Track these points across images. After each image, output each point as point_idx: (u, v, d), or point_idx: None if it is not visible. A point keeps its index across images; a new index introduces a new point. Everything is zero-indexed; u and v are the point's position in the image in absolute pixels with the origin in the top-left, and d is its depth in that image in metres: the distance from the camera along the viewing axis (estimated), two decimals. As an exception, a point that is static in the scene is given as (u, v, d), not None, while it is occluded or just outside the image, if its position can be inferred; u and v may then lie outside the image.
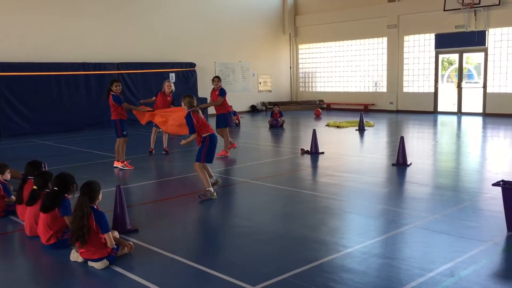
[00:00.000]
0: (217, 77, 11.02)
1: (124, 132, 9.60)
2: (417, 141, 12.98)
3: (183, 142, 7.38)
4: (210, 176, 7.65)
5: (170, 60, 19.69)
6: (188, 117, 7.13)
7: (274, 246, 5.16)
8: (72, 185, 5.29)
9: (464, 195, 7.02)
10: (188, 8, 20.38)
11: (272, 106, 18.99)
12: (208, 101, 10.86)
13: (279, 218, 6.30)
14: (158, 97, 11.05)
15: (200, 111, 7.34)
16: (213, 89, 10.82)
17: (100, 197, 4.92)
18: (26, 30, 16.13)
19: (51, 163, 8.84)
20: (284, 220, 6.20)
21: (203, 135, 7.16)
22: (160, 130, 10.65)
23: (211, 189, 7.12)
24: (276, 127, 16.24)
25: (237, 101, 21.30)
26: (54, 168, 7.78)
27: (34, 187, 5.62)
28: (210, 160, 7.32)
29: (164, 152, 11.23)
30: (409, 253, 4.82)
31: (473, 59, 23.19)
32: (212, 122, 10.22)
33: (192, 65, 20.21)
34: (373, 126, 15.83)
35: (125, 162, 9.64)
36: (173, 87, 11.11)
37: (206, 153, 7.19)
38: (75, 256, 4.81)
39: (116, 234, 5.11)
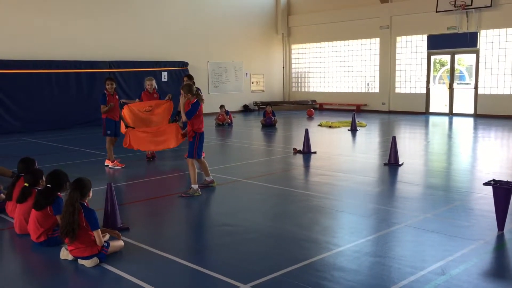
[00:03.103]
0: (188, 75, 10.60)
1: (108, 132, 9.52)
2: (409, 141, 13.02)
3: (182, 120, 7.27)
4: (207, 175, 7.66)
5: (163, 59, 19.61)
6: (196, 105, 7.06)
7: (266, 245, 5.15)
8: (66, 183, 5.24)
9: (455, 194, 7.05)
10: (181, 7, 20.32)
11: (264, 106, 18.96)
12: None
13: (271, 217, 6.28)
14: (143, 97, 10.29)
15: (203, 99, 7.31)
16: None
17: (90, 194, 4.89)
18: (18, 28, 15.99)
19: (42, 162, 8.76)
20: (276, 219, 6.19)
21: (198, 131, 7.17)
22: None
23: (196, 186, 7.19)
24: (269, 126, 16.24)
25: (230, 101, 21.29)
26: (44, 166, 7.71)
27: (25, 184, 5.58)
28: (199, 156, 7.36)
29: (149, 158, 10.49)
30: (400, 252, 4.83)
31: (464, 60, 23.30)
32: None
33: (185, 64, 20.14)
34: (365, 126, 15.87)
35: (115, 161, 9.57)
36: (154, 84, 10.41)
37: (197, 148, 7.25)
38: (65, 254, 4.77)
39: (104, 229, 5.11)
